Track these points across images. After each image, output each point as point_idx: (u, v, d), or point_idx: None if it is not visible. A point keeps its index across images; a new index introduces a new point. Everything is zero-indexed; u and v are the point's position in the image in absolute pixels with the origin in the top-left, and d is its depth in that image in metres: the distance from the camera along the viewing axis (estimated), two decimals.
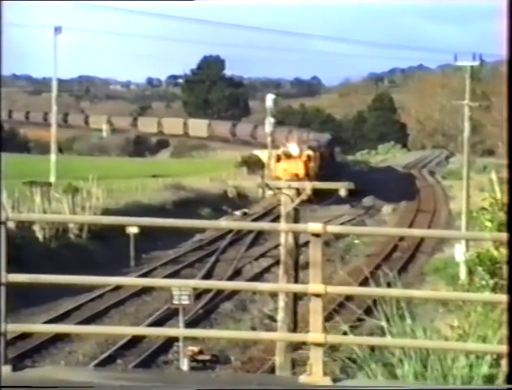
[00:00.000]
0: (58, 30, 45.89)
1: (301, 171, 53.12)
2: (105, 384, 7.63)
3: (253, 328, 25.87)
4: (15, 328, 9.03)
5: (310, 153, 56.00)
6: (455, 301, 13.02)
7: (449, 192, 64.11)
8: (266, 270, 35.26)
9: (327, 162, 61.88)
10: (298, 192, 18.59)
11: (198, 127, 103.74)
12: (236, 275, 34.33)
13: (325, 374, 7.77)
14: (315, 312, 7.82)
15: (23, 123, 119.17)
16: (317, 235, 7.85)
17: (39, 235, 34.75)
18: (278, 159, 54.98)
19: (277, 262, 29.82)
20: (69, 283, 8.51)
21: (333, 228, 7.98)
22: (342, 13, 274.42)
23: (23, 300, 23.73)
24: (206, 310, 28.24)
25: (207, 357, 23.26)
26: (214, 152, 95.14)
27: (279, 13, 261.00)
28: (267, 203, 50.29)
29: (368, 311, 11.08)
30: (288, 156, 54.77)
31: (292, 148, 55.69)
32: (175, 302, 20.78)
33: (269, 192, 53.92)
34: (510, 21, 7.89)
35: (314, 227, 7.83)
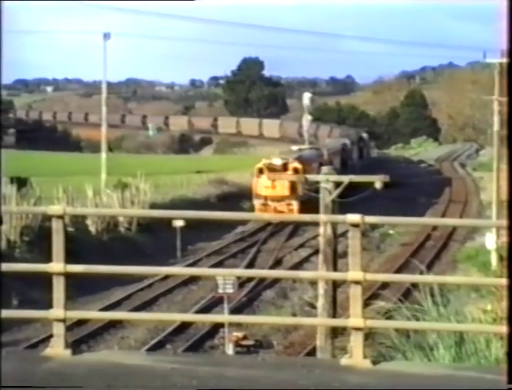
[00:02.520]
0: (107, 36, 46.26)
1: (286, 190, 43.42)
2: (158, 367, 7.72)
3: (294, 315, 25.86)
4: (73, 315, 9.17)
5: (298, 165, 44.35)
6: (487, 287, 12.94)
7: (480, 184, 63.51)
8: (306, 259, 35.24)
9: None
10: (336, 184, 18.53)
11: (271, 127, 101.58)
12: (276, 264, 34.33)
13: (365, 357, 7.79)
14: (355, 298, 7.84)
15: (82, 124, 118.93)
16: (355, 225, 7.87)
17: (91, 228, 35.10)
18: (260, 173, 44.17)
19: (315, 252, 29.87)
20: (123, 272, 8.62)
21: (371, 219, 7.98)
22: (373, 13, 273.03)
23: (77, 290, 23.97)
24: (249, 298, 28.32)
25: (251, 343, 23.33)
26: (254, 148, 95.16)
27: (314, 15, 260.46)
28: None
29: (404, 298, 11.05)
30: (272, 169, 43.36)
31: (276, 160, 45.44)
32: (220, 291, 20.88)
33: (257, 204, 46.81)
34: (510, 21, 7.79)
35: (353, 217, 7.85)
